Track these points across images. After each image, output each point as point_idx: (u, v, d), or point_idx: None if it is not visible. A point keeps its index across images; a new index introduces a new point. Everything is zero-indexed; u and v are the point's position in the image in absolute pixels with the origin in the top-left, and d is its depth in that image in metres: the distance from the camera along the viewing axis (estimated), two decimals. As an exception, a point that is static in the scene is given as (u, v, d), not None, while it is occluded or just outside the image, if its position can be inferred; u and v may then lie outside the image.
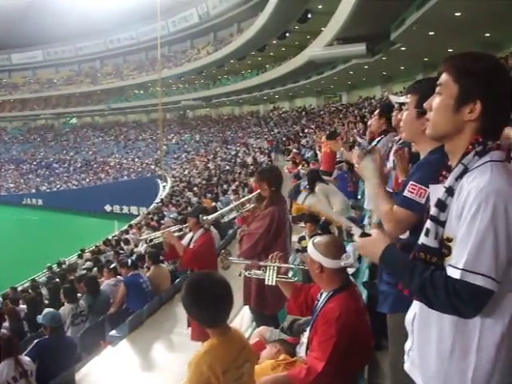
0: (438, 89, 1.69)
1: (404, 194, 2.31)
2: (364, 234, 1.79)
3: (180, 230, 5.96)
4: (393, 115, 3.64)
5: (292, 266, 3.34)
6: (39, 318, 5.37)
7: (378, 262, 1.76)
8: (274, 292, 3.66)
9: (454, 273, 1.50)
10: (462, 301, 1.48)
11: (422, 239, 1.65)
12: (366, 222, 6.77)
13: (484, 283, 1.46)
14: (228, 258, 3.75)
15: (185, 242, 5.58)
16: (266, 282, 3.25)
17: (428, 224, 1.64)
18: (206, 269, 4.69)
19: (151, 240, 6.05)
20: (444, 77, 1.67)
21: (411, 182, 2.30)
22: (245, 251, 4.42)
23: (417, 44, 20.54)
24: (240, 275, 3.74)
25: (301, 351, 2.96)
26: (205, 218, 5.06)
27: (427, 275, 1.55)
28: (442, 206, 1.60)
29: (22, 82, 62.65)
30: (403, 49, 22.31)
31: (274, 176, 4.60)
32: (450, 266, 1.53)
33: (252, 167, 23.02)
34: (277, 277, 3.26)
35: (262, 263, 3.39)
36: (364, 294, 3.56)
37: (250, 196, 4.96)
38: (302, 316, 3.34)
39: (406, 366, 1.82)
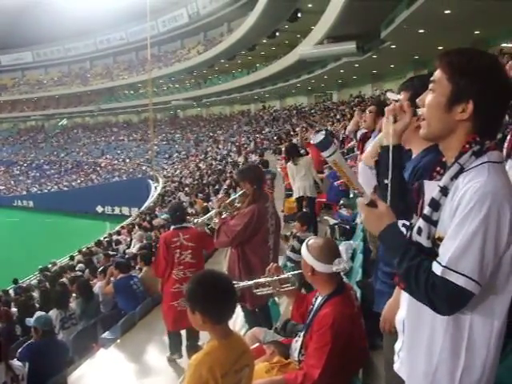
0: (431, 85, 1.65)
1: None
2: (372, 204, 1.71)
3: None
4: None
5: (289, 275, 3.33)
6: (29, 321, 5.30)
7: (376, 235, 1.72)
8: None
9: (437, 268, 1.49)
10: (439, 297, 1.47)
11: (416, 237, 1.62)
12: (358, 220, 6.78)
13: (465, 284, 1.45)
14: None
15: None
16: (276, 296, 3.27)
17: (420, 223, 1.61)
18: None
19: None
20: (438, 74, 1.63)
21: None
22: (220, 243, 4.68)
23: (407, 42, 20.59)
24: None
25: (295, 355, 2.95)
26: (195, 221, 5.08)
27: (415, 263, 1.53)
28: (435, 205, 1.57)
29: (11, 83, 62.29)
30: (393, 47, 22.37)
31: (254, 175, 4.68)
32: (436, 261, 1.51)
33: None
34: (281, 287, 3.26)
35: (262, 280, 3.35)
36: (358, 294, 3.54)
37: (236, 195, 4.96)
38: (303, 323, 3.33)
39: (396, 367, 1.81)
